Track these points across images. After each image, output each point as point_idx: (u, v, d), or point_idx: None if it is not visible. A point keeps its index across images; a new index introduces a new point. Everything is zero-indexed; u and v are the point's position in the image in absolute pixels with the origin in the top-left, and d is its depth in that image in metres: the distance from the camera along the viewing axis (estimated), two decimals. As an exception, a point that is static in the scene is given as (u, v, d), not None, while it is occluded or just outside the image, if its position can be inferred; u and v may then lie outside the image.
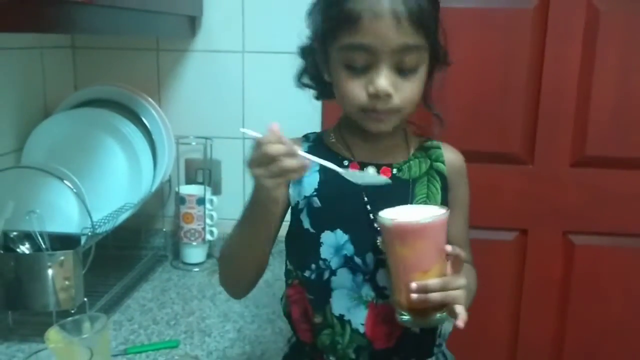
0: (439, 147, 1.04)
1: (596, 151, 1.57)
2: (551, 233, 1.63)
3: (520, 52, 1.54)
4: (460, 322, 0.85)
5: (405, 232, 0.85)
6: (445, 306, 0.86)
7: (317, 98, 1.05)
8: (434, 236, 0.86)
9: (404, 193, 0.97)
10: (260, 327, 1.28)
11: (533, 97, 1.55)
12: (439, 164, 1.02)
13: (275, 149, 0.80)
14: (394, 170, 0.99)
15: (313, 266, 0.97)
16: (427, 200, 0.98)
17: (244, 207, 0.94)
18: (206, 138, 1.62)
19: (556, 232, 1.63)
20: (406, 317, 0.88)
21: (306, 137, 1.05)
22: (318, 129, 1.12)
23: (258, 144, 0.81)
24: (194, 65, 1.63)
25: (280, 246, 1.01)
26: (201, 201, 1.59)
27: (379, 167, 0.98)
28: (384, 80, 0.88)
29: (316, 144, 1.02)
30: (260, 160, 0.81)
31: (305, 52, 1.00)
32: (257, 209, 0.91)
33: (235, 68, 1.61)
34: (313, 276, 0.97)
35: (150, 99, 1.56)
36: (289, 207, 1.01)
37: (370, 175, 0.94)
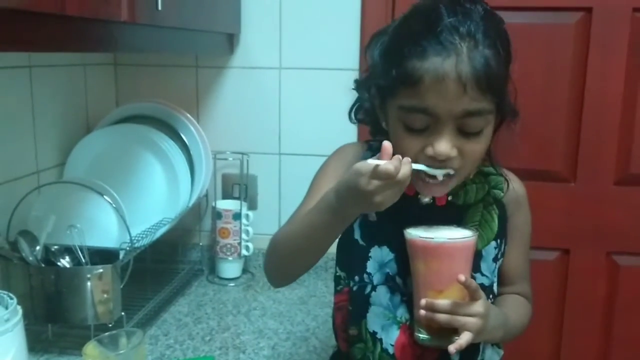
0: (500, 175, 1.00)
1: (642, 169, 1.52)
2: (594, 253, 1.58)
3: (562, 68, 1.51)
4: (451, 348, 0.83)
5: (422, 249, 0.87)
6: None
7: (373, 134, 1.00)
8: (450, 258, 0.86)
9: (456, 218, 0.95)
10: (294, 345, 1.27)
11: (575, 113, 1.52)
12: (497, 191, 0.99)
13: (404, 174, 0.76)
14: (450, 197, 0.96)
15: (357, 278, 0.97)
16: (479, 227, 0.96)
17: (320, 203, 0.87)
18: (243, 153, 1.63)
19: (600, 252, 1.58)
20: (421, 336, 0.88)
21: (369, 145, 1.01)
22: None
23: (390, 173, 0.75)
24: (232, 82, 1.64)
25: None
26: (237, 216, 1.60)
27: None
28: (444, 144, 0.82)
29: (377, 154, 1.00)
30: (390, 186, 0.77)
31: (361, 87, 0.95)
32: (344, 218, 0.85)
33: (272, 84, 1.62)
34: (355, 288, 0.97)
35: (188, 114, 1.58)
36: None
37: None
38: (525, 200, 1.03)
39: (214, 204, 1.63)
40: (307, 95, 1.60)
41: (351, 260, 0.98)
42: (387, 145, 0.78)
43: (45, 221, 1.22)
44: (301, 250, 0.93)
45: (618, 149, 1.52)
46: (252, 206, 1.67)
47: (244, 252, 1.62)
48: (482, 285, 0.93)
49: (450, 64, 0.78)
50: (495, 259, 0.98)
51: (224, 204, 1.62)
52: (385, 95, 0.88)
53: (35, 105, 1.38)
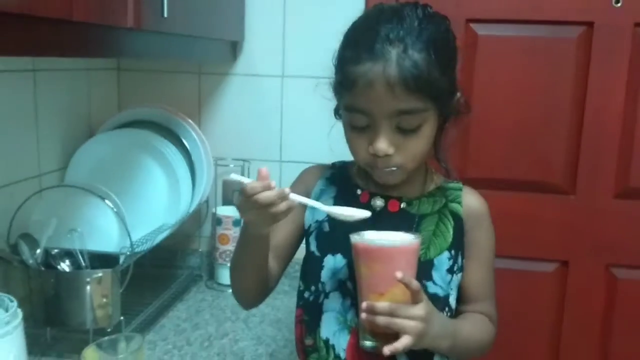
0: (459, 189, 1.02)
1: (641, 183, 1.53)
2: (593, 266, 1.58)
3: (563, 81, 1.51)
4: (386, 349, 0.83)
5: (363, 252, 0.88)
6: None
7: None
8: (392, 261, 0.87)
9: (408, 227, 0.97)
10: (292, 353, 1.27)
11: (576, 126, 1.53)
12: (455, 204, 1.01)
13: (265, 197, 0.82)
14: (403, 204, 0.99)
15: (312, 288, 0.99)
16: (433, 235, 0.98)
17: (240, 228, 0.96)
18: (244, 160, 1.64)
19: (598, 264, 1.58)
20: (367, 342, 0.88)
21: (333, 165, 1.08)
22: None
23: (246, 192, 0.82)
24: (234, 89, 1.65)
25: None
26: (237, 222, 1.60)
27: (387, 199, 0.99)
28: (382, 142, 0.89)
29: (340, 172, 1.05)
30: (251, 207, 0.83)
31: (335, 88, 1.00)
32: (249, 239, 0.93)
33: (275, 92, 1.63)
34: (311, 298, 1.00)
35: (190, 120, 1.59)
36: (304, 229, 1.03)
37: (351, 211, 0.91)
38: (486, 217, 1.03)
39: (214, 210, 1.63)
40: (309, 103, 1.59)
41: (308, 272, 1.01)
42: (261, 170, 0.84)
43: (46, 224, 1.23)
44: (241, 270, 1.00)
45: (618, 163, 1.53)
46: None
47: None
48: (435, 296, 0.95)
49: (379, 69, 0.85)
50: (450, 271, 0.98)
51: (224, 210, 1.62)
52: (337, 96, 0.95)
53: (39, 109, 1.38)
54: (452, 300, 0.99)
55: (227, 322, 1.41)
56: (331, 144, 1.06)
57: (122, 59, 1.66)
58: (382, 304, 0.84)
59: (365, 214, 0.90)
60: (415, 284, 0.85)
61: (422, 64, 0.85)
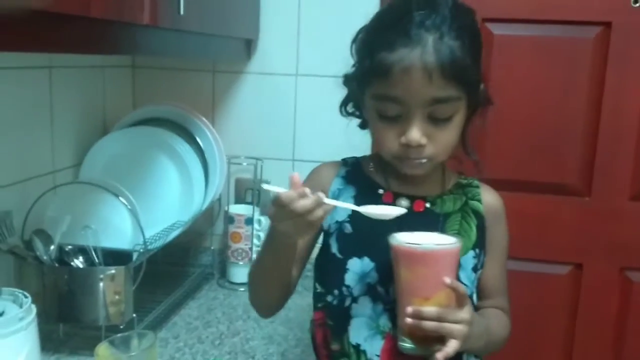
0: (477, 187, 1.02)
1: (658, 185, 1.51)
2: (607, 268, 1.57)
3: (580, 82, 1.50)
4: (439, 356, 0.83)
5: (407, 256, 0.86)
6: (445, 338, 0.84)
7: (362, 127, 1.04)
8: (437, 265, 0.85)
9: (434, 227, 0.96)
10: (304, 352, 1.27)
11: (592, 128, 1.51)
12: (475, 202, 1.00)
13: (301, 205, 0.80)
14: (428, 204, 0.98)
15: (336, 292, 0.96)
16: (459, 236, 0.96)
17: (266, 233, 0.94)
18: (257, 159, 1.64)
19: (613, 267, 1.57)
20: (405, 345, 0.87)
21: (345, 162, 1.05)
22: (368, 153, 1.12)
23: (281, 201, 0.80)
24: (248, 87, 1.65)
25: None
26: (249, 221, 1.60)
27: (412, 199, 0.98)
28: (415, 132, 0.87)
29: (354, 169, 1.03)
30: (287, 216, 0.81)
31: (349, 80, 0.99)
32: (278, 248, 0.91)
33: (288, 90, 1.63)
34: (335, 302, 0.96)
35: (204, 118, 1.59)
36: (322, 230, 1.01)
37: (386, 209, 0.90)
38: (503, 213, 1.03)
39: (226, 208, 1.63)
40: (323, 102, 1.59)
41: (329, 274, 0.98)
42: (294, 176, 0.82)
43: (60, 221, 1.23)
44: (265, 280, 0.99)
45: (634, 165, 1.51)
46: (265, 211, 1.67)
47: (254, 257, 1.62)
48: None
49: (416, 54, 0.83)
50: (474, 269, 0.98)
51: (236, 209, 1.63)
52: (363, 86, 0.92)
53: (54, 106, 1.39)
54: (475, 298, 0.99)
55: (238, 320, 1.41)
56: (349, 139, 1.04)
57: (137, 56, 1.66)
58: (430, 309, 0.83)
59: (400, 211, 0.88)
60: (462, 288, 0.85)
61: (458, 51, 0.84)
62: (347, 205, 0.89)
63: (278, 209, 0.81)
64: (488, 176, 1.05)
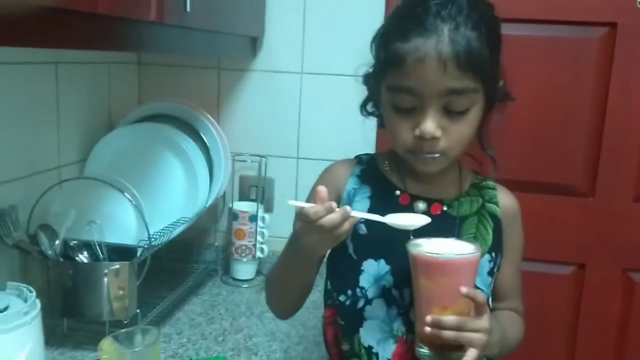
0: (494, 188, 1.01)
1: (662, 187, 1.51)
2: (610, 269, 1.57)
3: (585, 82, 1.50)
4: None
5: (428, 265, 0.84)
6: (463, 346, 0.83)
7: (381, 125, 1.03)
8: (457, 274, 0.84)
9: (450, 230, 0.95)
10: (307, 350, 1.28)
11: (597, 129, 1.51)
12: (492, 205, 0.99)
13: (329, 220, 0.79)
14: (445, 207, 0.97)
15: (349, 292, 0.95)
16: (474, 239, 0.96)
17: (288, 241, 0.94)
18: (261, 156, 1.64)
19: (616, 268, 1.57)
20: (423, 351, 0.86)
21: (359, 160, 1.03)
22: (372, 151, 1.11)
23: (308, 217, 0.79)
24: (253, 85, 1.65)
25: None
26: (253, 218, 1.60)
27: (430, 203, 0.97)
28: (430, 123, 0.85)
29: (369, 168, 1.01)
30: (314, 231, 0.81)
31: (367, 79, 0.98)
32: (302, 260, 0.91)
33: (293, 88, 1.63)
34: (348, 302, 0.96)
35: (209, 115, 1.59)
36: None
37: (411, 219, 0.89)
38: (519, 215, 1.03)
39: (230, 205, 1.64)
40: (328, 100, 1.60)
41: (343, 274, 0.97)
42: (320, 189, 0.81)
43: (65, 216, 1.24)
44: (285, 286, 0.99)
45: (638, 166, 1.51)
46: (269, 209, 1.68)
47: (258, 254, 1.63)
48: None
49: (431, 44, 0.81)
50: (490, 273, 0.97)
51: (240, 206, 1.63)
52: (378, 79, 0.91)
53: (60, 101, 1.39)
54: (490, 301, 0.99)
55: (241, 317, 1.41)
56: (354, 137, 1.03)
57: (142, 53, 1.67)
58: (449, 319, 0.82)
59: (424, 220, 0.87)
60: (481, 296, 0.84)
61: (474, 42, 0.82)
62: (373, 217, 0.88)
63: (305, 224, 0.81)
64: (492, 176, 1.05)
